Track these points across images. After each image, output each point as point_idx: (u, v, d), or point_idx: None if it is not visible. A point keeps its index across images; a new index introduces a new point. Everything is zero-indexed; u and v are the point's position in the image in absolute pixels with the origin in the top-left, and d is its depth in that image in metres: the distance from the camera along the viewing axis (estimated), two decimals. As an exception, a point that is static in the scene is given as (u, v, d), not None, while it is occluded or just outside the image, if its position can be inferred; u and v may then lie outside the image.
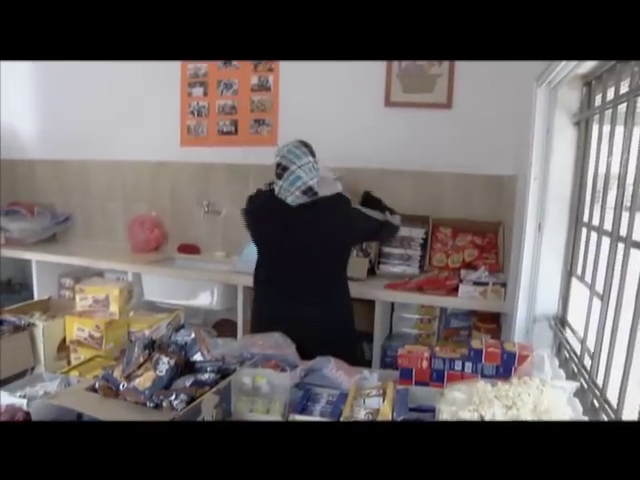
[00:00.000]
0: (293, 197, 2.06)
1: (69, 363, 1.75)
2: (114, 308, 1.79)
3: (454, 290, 2.59)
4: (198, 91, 3.46)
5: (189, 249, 3.49)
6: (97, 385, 1.23)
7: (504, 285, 2.51)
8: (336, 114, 3.11)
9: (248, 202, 2.22)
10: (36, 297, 3.13)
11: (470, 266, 2.80)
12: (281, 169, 2.05)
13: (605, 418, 1.35)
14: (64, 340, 1.78)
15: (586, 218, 1.82)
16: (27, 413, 1.27)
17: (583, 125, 1.84)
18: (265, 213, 2.15)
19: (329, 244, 2.12)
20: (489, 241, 2.88)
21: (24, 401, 1.32)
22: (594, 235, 1.71)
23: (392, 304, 2.87)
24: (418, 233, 2.94)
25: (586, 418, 1.32)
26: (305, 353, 1.74)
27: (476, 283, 2.55)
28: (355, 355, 2.31)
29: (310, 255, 2.10)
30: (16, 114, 3.92)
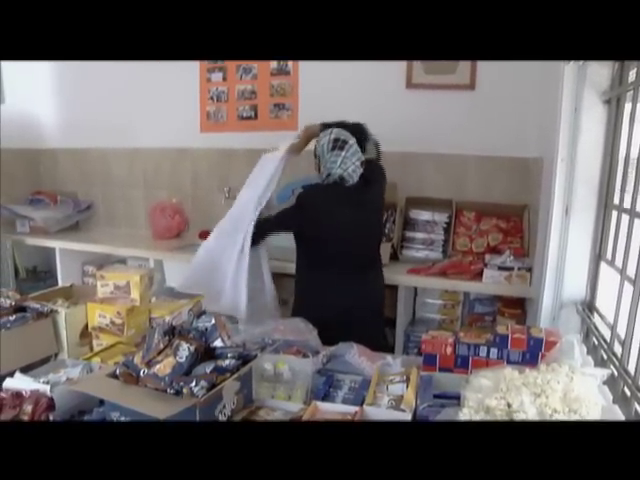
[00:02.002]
0: (354, 167, 2.19)
1: (91, 349, 1.75)
2: (135, 294, 1.79)
3: (478, 275, 2.54)
4: (217, 76, 3.44)
5: (210, 235, 3.48)
6: (118, 371, 1.22)
7: (530, 270, 2.46)
8: (357, 97, 3.06)
9: (306, 198, 2.22)
10: (60, 284, 3.16)
11: (494, 250, 2.75)
12: (342, 142, 2.19)
13: (637, 406, 1.31)
14: (86, 327, 1.78)
15: (616, 200, 1.76)
16: (50, 399, 1.28)
17: (614, 103, 1.77)
18: (329, 203, 2.20)
19: (376, 215, 2.39)
20: (514, 225, 2.83)
21: (47, 387, 1.32)
22: (625, 218, 1.66)
23: (415, 289, 2.84)
24: (441, 217, 2.89)
25: (616, 407, 1.29)
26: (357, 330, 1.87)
27: (501, 268, 2.50)
28: None
29: (365, 228, 2.28)
30: (38, 104, 3.94)
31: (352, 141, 2.20)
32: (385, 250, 2.80)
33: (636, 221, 1.53)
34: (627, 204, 1.64)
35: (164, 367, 1.18)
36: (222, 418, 1.20)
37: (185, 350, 1.22)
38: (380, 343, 2.20)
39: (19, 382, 1.36)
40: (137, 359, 1.23)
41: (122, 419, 1.17)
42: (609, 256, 1.81)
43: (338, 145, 2.19)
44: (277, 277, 2.54)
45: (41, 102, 3.94)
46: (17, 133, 3.71)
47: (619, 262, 1.67)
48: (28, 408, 1.25)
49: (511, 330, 1.48)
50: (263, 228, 2.27)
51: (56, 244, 3.47)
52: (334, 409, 1.29)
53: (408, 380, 1.39)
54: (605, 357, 1.64)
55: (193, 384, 1.13)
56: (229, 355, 1.28)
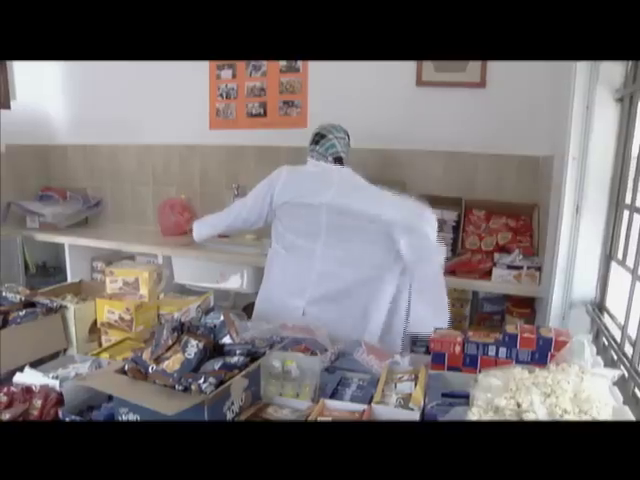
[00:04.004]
0: (325, 161, 2.20)
1: (100, 345, 1.76)
2: (144, 291, 1.80)
3: (487, 274, 2.53)
4: (227, 73, 3.43)
5: (219, 232, 3.48)
6: (126, 367, 1.22)
7: (539, 269, 2.44)
8: (366, 94, 3.05)
9: None
10: (69, 280, 3.17)
11: (504, 249, 2.72)
12: (319, 136, 2.22)
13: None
14: (95, 322, 1.79)
15: (628, 199, 1.75)
16: (60, 394, 1.28)
17: (627, 101, 1.75)
18: None
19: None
20: (524, 224, 2.81)
21: (57, 382, 1.32)
22: (637, 217, 1.64)
23: (423, 288, 2.83)
24: (450, 215, 2.87)
25: (627, 408, 1.27)
26: None
27: (510, 267, 2.49)
28: None
29: None
30: (48, 100, 3.95)
31: (332, 135, 2.20)
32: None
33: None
34: (639, 203, 1.62)
35: (172, 363, 1.18)
36: (230, 415, 1.20)
37: (194, 347, 1.21)
38: None
39: (29, 377, 1.36)
40: (145, 355, 1.23)
41: (130, 415, 1.17)
42: (620, 256, 1.80)
43: (314, 139, 2.23)
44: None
45: (51, 98, 3.95)
46: (27, 129, 3.73)
47: (630, 262, 1.65)
48: (38, 403, 1.26)
49: (520, 329, 1.47)
50: None
51: (65, 240, 3.47)
52: (342, 407, 1.28)
53: (416, 379, 1.38)
54: (615, 358, 1.62)
55: (201, 381, 1.13)
56: (237, 352, 1.27)
